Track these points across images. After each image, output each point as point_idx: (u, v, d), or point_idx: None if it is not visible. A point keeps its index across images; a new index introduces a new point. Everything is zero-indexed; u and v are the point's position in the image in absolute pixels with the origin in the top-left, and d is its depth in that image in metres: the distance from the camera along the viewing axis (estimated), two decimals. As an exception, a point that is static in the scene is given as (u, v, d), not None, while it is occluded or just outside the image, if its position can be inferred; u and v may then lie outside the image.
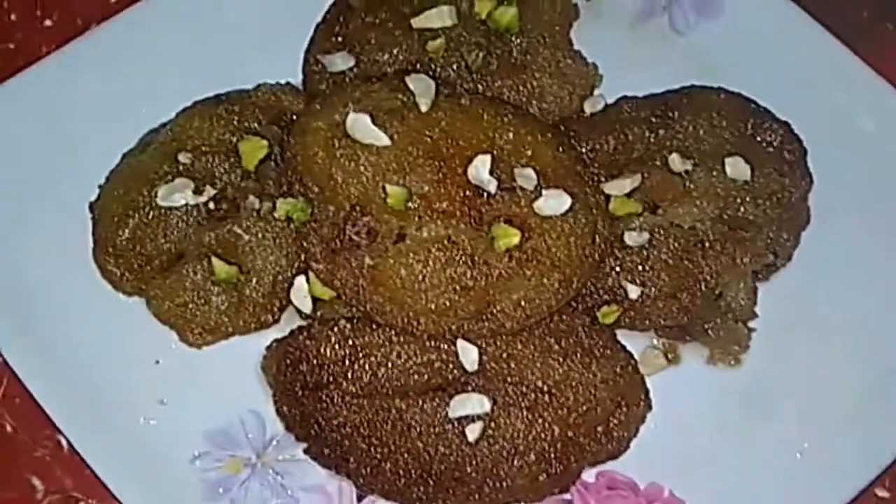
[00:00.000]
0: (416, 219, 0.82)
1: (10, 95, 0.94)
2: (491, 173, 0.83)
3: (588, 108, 0.94)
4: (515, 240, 0.81)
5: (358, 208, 0.83)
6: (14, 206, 0.92)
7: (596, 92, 0.96)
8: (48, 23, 1.05)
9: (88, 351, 0.89)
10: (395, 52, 0.93)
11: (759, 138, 0.93)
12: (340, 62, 0.94)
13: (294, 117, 0.92)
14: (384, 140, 0.83)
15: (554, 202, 0.83)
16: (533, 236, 0.82)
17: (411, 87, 0.86)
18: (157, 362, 0.90)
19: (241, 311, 0.88)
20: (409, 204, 0.82)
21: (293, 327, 0.88)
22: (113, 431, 0.86)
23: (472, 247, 0.82)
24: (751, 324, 0.90)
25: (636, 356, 0.89)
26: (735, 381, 0.91)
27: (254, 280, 0.88)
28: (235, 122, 0.91)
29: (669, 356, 0.91)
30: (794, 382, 0.90)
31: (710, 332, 0.90)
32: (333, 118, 0.85)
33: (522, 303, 0.82)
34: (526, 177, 0.83)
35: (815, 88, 0.97)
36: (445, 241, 0.82)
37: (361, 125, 0.83)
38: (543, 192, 0.83)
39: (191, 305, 0.88)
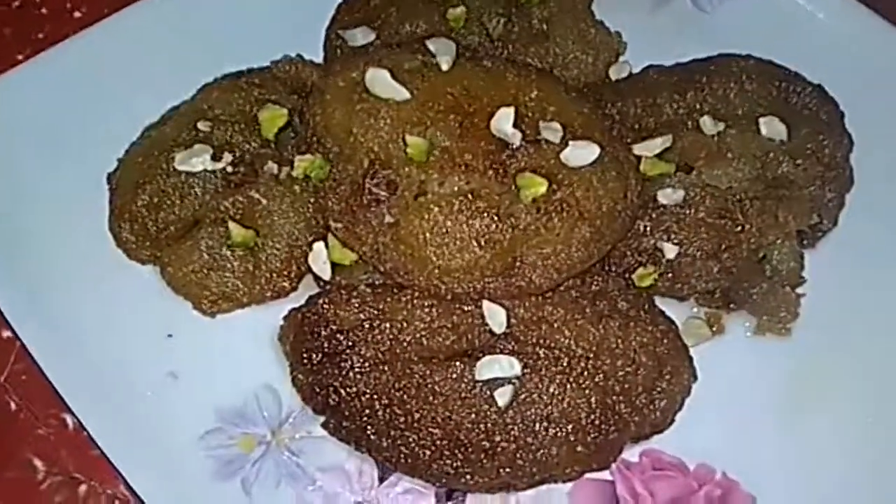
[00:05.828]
0: (438, 172, 0.79)
1: (39, 72, 0.94)
2: (515, 126, 0.80)
3: (613, 74, 0.92)
4: (542, 189, 0.77)
5: (378, 163, 0.80)
6: (31, 179, 0.91)
7: (621, 59, 0.93)
8: (77, 14, 1.07)
9: (100, 324, 0.85)
10: (415, 23, 0.93)
11: (792, 101, 0.89)
12: (360, 36, 0.93)
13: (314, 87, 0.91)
14: (404, 94, 0.81)
15: (582, 152, 0.79)
16: (560, 188, 0.78)
17: (432, 49, 0.85)
18: (170, 336, 0.86)
19: (257, 277, 0.85)
20: (431, 157, 0.79)
21: (311, 295, 0.84)
22: (120, 406, 0.82)
23: (496, 199, 0.78)
24: (800, 290, 0.84)
25: (677, 325, 0.83)
26: (785, 352, 0.84)
27: (270, 245, 0.85)
28: (255, 94, 0.91)
29: (713, 326, 0.85)
30: (849, 353, 0.83)
31: (755, 297, 0.84)
32: (353, 76, 0.83)
33: (551, 258, 0.78)
34: (552, 129, 0.80)
35: (849, 63, 0.94)
36: (469, 195, 0.78)
37: (381, 80, 0.81)
38: (570, 142, 0.79)
39: (205, 271, 0.84)
